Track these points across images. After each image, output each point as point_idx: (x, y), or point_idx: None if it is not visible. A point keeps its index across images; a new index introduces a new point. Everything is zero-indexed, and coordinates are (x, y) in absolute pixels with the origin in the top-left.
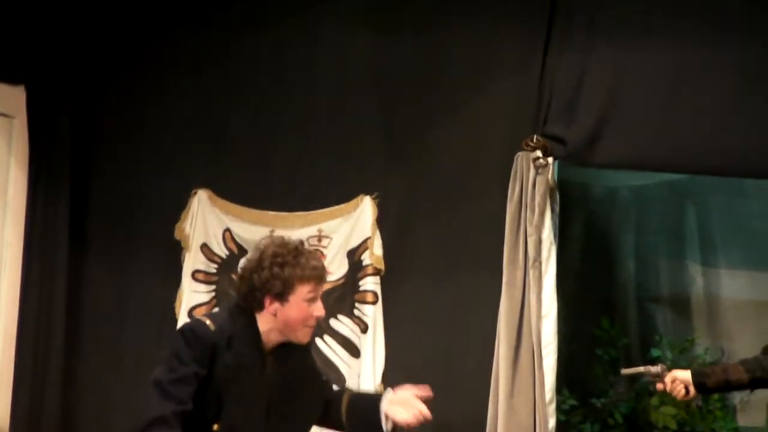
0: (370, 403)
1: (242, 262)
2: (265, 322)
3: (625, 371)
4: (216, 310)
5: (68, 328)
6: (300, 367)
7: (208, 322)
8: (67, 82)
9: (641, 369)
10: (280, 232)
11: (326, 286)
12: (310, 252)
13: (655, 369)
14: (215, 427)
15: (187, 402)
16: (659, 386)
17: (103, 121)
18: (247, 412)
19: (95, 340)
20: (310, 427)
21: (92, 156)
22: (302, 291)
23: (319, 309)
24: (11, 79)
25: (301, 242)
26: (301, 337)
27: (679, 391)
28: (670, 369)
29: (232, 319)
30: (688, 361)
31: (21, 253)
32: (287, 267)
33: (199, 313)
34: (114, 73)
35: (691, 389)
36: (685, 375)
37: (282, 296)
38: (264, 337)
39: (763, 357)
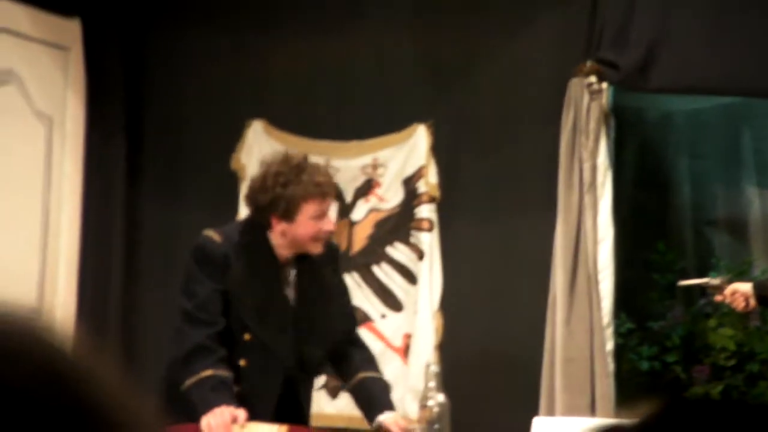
0: (374, 395)
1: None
2: (275, 236)
3: (683, 282)
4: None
5: (126, 259)
6: (324, 283)
7: (215, 236)
8: (120, 15)
9: (701, 280)
10: (335, 162)
11: (382, 215)
12: (313, 167)
13: (715, 281)
14: (246, 337)
15: (218, 321)
16: (718, 298)
17: (155, 54)
18: (269, 324)
19: (152, 271)
20: (334, 345)
21: (145, 88)
22: (307, 209)
23: (327, 224)
24: (66, 12)
25: (305, 157)
26: (313, 249)
27: (739, 303)
28: (730, 282)
29: (245, 229)
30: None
31: (80, 184)
32: (290, 186)
33: None
34: (164, 7)
35: (752, 301)
36: (745, 287)
37: (288, 216)
38: (277, 250)
39: None
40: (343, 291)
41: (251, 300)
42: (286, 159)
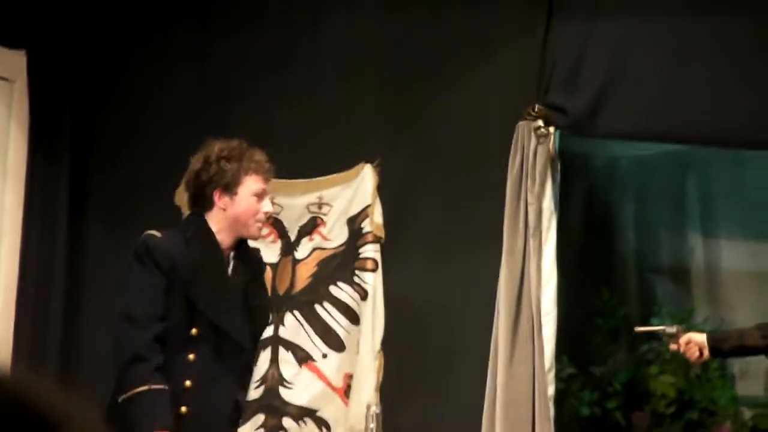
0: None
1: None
2: (216, 221)
3: (639, 329)
4: None
5: (68, 294)
6: (258, 276)
7: (155, 233)
8: (68, 47)
9: (656, 328)
10: (280, 199)
11: (326, 253)
12: (254, 149)
13: (671, 329)
14: (193, 331)
15: (159, 320)
16: (673, 347)
17: (104, 87)
18: (221, 310)
19: (95, 306)
20: (255, 342)
21: (93, 121)
22: (250, 184)
23: (267, 205)
24: (12, 43)
25: (242, 141)
26: (253, 232)
27: (693, 353)
28: (686, 331)
29: (184, 227)
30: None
31: (21, 218)
32: (233, 161)
33: None
34: (115, 39)
35: (705, 352)
36: (700, 338)
37: (230, 188)
38: (219, 236)
39: None
40: (267, 293)
41: (202, 288)
42: (226, 142)
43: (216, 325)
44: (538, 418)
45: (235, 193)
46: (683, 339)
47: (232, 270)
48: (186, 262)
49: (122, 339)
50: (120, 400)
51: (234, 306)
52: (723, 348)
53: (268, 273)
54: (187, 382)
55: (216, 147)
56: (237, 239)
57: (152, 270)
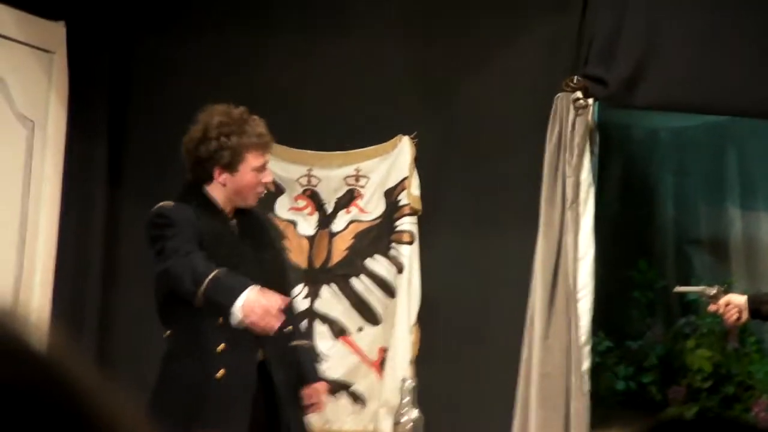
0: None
1: (186, 136)
2: (215, 191)
3: (680, 288)
4: None
5: (105, 264)
6: (266, 232)
7: (166, 203)
8: (107, 19)
9: (697, 288)
10: (317, 171)
11: (363, 226)
12: (255, 119)
13: (711, 290)
14: (221, 320)
15: (198, 245)
16: (712, 308)
17: (142, 58)
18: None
19: (132, 276)
20: (281, 291)
21: (131, 93)
22: (250, 159)
23: (267, 176)
24: (51, 15)
25: (245, 109)
26: (251, 201)
27: (732, 315)
28: (726, 292)
29: (186, 198)
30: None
31: (60, 188)
32: (234, 136)
33: None
34: (152, 10)
35: (744, 314)
36: (740, 299)
37: (231, 166)
38: (219, 205)
39: None
40: (278, 241)
41: (218, 258)
42: (227, 111)
43: None
44: (574, 391)
45: (236, 170)
46: (723, 300)
47: (239, 236)
48: (200, 230)
49: (173, 266)
50: (199, 295)
51: (248, 271)
52: (763, 310)
53: (305, 245)
54: (221, 345)
55: (216, 119)
56: (235, 207)
57: (179, 225)
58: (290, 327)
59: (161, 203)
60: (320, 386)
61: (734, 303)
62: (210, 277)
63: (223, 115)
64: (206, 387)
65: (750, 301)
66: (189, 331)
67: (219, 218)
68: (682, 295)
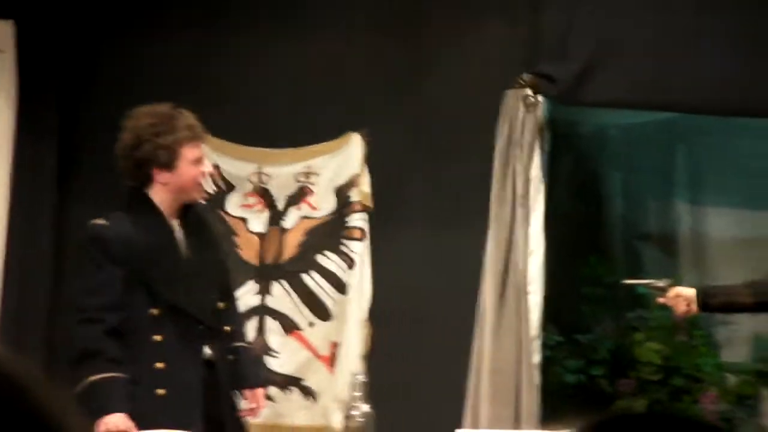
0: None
1: (118, 144)
2: (158, 194)
3: (628, 281)
4: None
5: (53, 268)
6: (209, 230)
7: (99, 221)
8: (57, 19)
9: (645, 281)
10: (268, 168)
11: (314, 222)
12: (182, 112)
13: (659, 282)
14: (155, 312)
15: (113, 309)
16: (661, 300)
17: (93, 59)
18: (178, 286)
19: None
20: (224, 291)
21: (81, 93)
22: (187, 153)
23: (207, 165)
24: (0, 14)
25: (171, 105)
26: (196, 195)
27: (681, 307)
28: (674, 285)
29: (125, 206)
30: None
31: (7, 190)
32: (165, 134)
33: None
34: (104, 11)
35: (693, 307)
36: (689, 292)
37: (169, 164)
38: (163, 208)
39: None
40: (221, 239)
41: (156, 270)
42: (153, 111)
43: (183, 306)
44: (524, 385)
45: (175, 167)
46: (672, 292)
47: (184, 237)
48: (137, 246)
49: (74, 334)
50: (76, 393)
51: (191, 281)
52: (711, 303)
53: (255, 242)
54: (159, 364)
55: (144, 121)
56: (181, 205)
57: (102, 261)
58: (231, 327)
59: (96, 221)
60: (260, 392)
61: (683, 295)
62: (94, 378)
63: (151, 116)
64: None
65: (699, 293)
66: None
67: (161, 225)
68: (632, 289)
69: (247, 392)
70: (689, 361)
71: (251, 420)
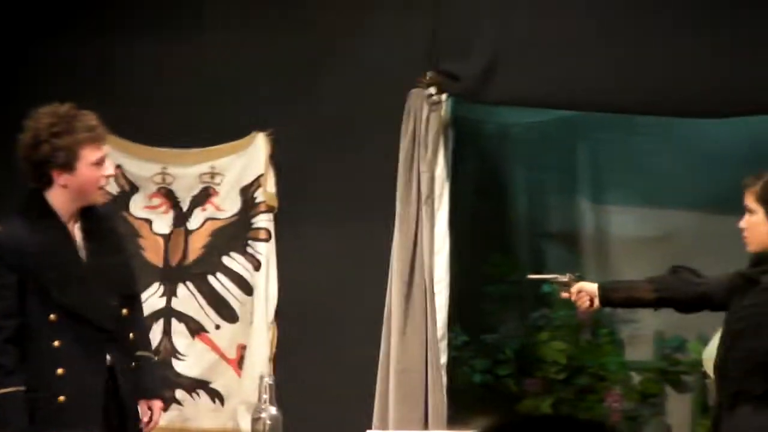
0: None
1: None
2: (57, 196)
3: (531, 276)
4: None
5: None
6: (111, 233)
7: None
8: None
9: (548, 276)
10: (172, 169)
11: (219, 224)
12: (83, 113)
13: (563, 278)
14: (52, 317)
15: (7, 317)
16: (564, 295)
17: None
18: (74, 291)
19: None
20: (125, 296)
21: None
22: (86, 155)
23: (108, 168)
24: None
25: (72, 106)
26: (96, 197)
27: (584, 302)
28: (578, 280)
29: (22, 210)
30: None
31: None
32: (65, 135)
33: None
34: (9, 15)
35: (596, 301)
36: (591, 287)
37: (68, 166)
38: (61, 211)
39: (672, 277)
40: (126, 243)
41: (52, 274)
42: (53, 111)
43: (80, 311)
44: (431, 386)
45: (74, 169)
46: (575, 288)
47: (83, 240)
48: (30, 250)
49: None
50: None
51: (89, 285)
52: (613, 298)
53: (160, 244)
54: (59, 370)
55: (44, 121)
56: (82, 207)
57: (3, 277)
58: (135, 334)
59: None
60: (157, 404)
61: (586, 290)
62: None
63: (51, 116)
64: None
65: (600, 289)
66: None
67: (56, 227)
68: (537, 288)
69: (145, 403)
70: (594, 360)
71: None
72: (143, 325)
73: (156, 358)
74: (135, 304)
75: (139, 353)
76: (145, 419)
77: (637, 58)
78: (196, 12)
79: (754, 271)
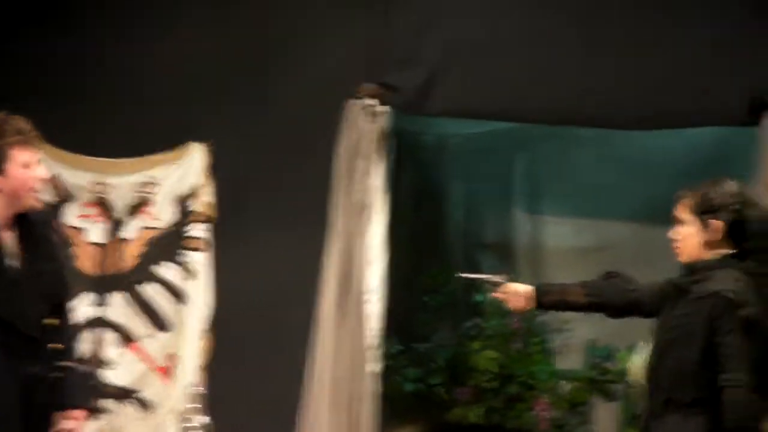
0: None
1: None
2: None
3: (464, 274)
4: None
5: None
6: (46, 240)
7: None
8: None
9: (483, 275)
10: (108, 179)
11: (154, 233)
12: (13, 117)
13: (496, 278)
14: None
15: None
16: (497, 295)
17: None
18: (4, 295)
19: None
20: (57, 306)
21: None
22: (16, 156)
23: (41, 171)
24: None
25: (4, 112)
26: (30, 202)
27: (516, 303)
28: (511, 281)
29: None
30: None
31: None
32: None
33: None
34: None
35: (529, 302)
36: (525, 288)
37: None
38: None
39: (605, 282)
40: (59, 251)
41: None
42: None
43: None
44: (363, 394)
45: (5, 171)
46: (507, 288)
47: (17, 245)
48: None
49: None
50: None
51: (14, 291)
52: (545, 300)
53: (94, 252)
54: None
55: None
56: (16, 213)
57: None
58: (60, 345)
59: None
60: (77, 414)
61: (519, 291)
62: None
63: None
64: None
65: (537, 290)
66: None
67: None
68: (470, 296)
69: (64, 414)
70: (524, 369)
71: None
72: (70, 334)
73: (81, 368)
74: (64, 313)
75: (64, 363)
76: (63, 427)
77: (576, 72)
78: (134, 20)
79: (685, 280)
